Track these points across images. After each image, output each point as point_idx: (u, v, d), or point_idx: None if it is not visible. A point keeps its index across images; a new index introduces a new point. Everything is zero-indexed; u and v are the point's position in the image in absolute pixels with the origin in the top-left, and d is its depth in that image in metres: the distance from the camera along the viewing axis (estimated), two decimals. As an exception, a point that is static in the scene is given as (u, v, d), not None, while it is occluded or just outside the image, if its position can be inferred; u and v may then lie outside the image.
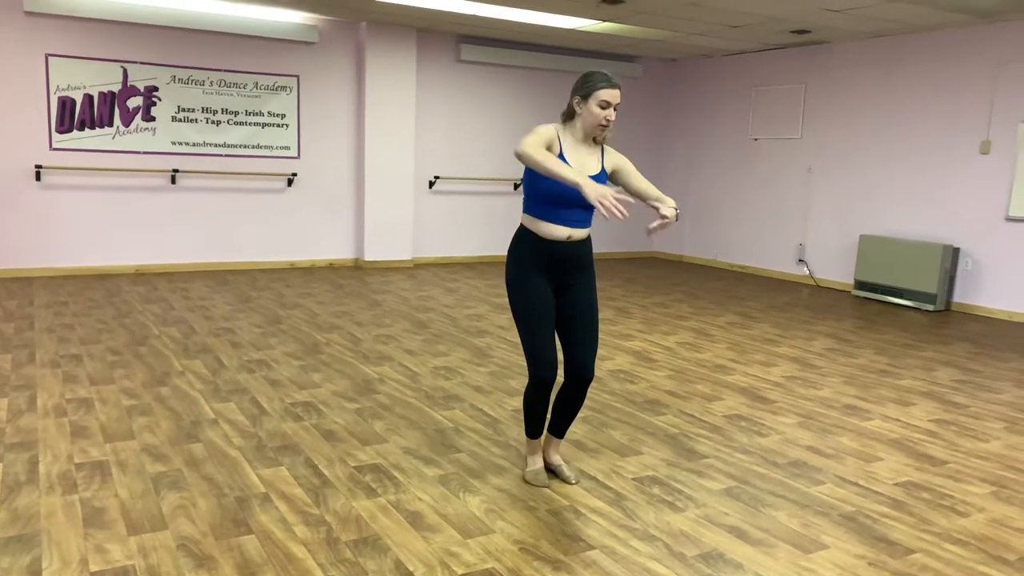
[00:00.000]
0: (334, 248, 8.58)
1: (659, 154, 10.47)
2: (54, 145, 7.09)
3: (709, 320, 6.41)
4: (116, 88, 7.29)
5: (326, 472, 3.09)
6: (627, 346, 5.40)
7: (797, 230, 8.81)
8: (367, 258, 8.51)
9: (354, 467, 3.15)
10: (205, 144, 7.72)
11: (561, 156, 2.79)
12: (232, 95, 7.79)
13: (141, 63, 7.35)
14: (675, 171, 10.34)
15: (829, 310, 7.12)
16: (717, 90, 9.70)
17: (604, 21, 7.35)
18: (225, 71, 7.72)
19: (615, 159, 2.97)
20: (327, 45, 8.15)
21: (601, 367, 4.82)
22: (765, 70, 9.05)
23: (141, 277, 7.31)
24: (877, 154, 7.96)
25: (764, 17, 6.95)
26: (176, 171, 7.56)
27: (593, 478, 3.14)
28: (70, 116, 7.14)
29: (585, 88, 2.80)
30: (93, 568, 2.32)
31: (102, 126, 7.28)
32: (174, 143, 7.58)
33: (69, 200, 7.22)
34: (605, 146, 2.96)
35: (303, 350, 4.94)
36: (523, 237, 2.90)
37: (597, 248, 10.16)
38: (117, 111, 7.32)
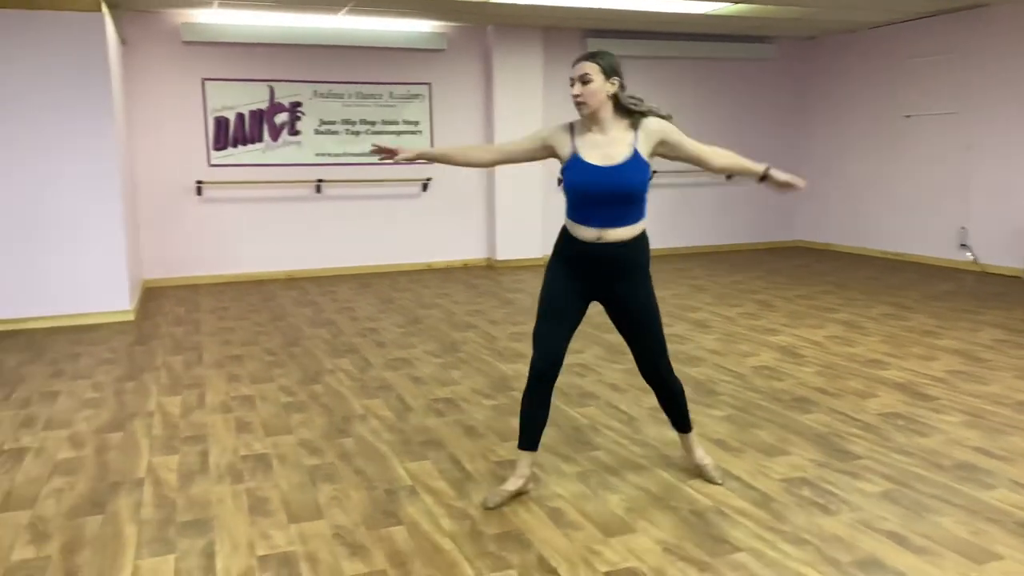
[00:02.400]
0: (467, 249, 8.77)
1: (798, 138, 10.00)
2: (212, 162, 7.67)
3: (860, 312, 6.05)
4: (264, 106, 7.79)
5: (468, 466, 3.17)
6: (772, 341, 5.19)
7: (957, 213, 8.16)
8: (499, 257, 8.65)
9: (495, 462, 3.21)
10: (346, 154, 8.10)
11: (574, 157, 2.65)
12: (369, 106, 8.14)
13: (286, 81, 7.81)
14: (817, 155, 9.84)
15: (997, 298, 6.54)
16: (861, 66, 9.14)
17: (737, 3, 7.10)
18: (362, 83, 8.07)
19: (656, 133, 2.68)
20: (455, 51, 8.35)
21: (744, 363, 4.66)
22: (915, 41, 8.43)
23: (292, 282, 7.77)
24: (1049, 126, 7.23)
25: (913, -14, 6.48)
26: (321, 181, 7.98)
27: (738, 478, 3.04)
28: (225, 134, 7.69)
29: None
30: (259, 552, 2.49)
31: (253, 142, 7.80)
32: (318, 155, 8.01)
33: (226, 212, 7.78)
34: (643, 122, 2.67)
35: (442, 348, 5.09)
36: (561, 235, 2.80)
37: (737, 238, 9.89)
38: (266, 127, 7.82)
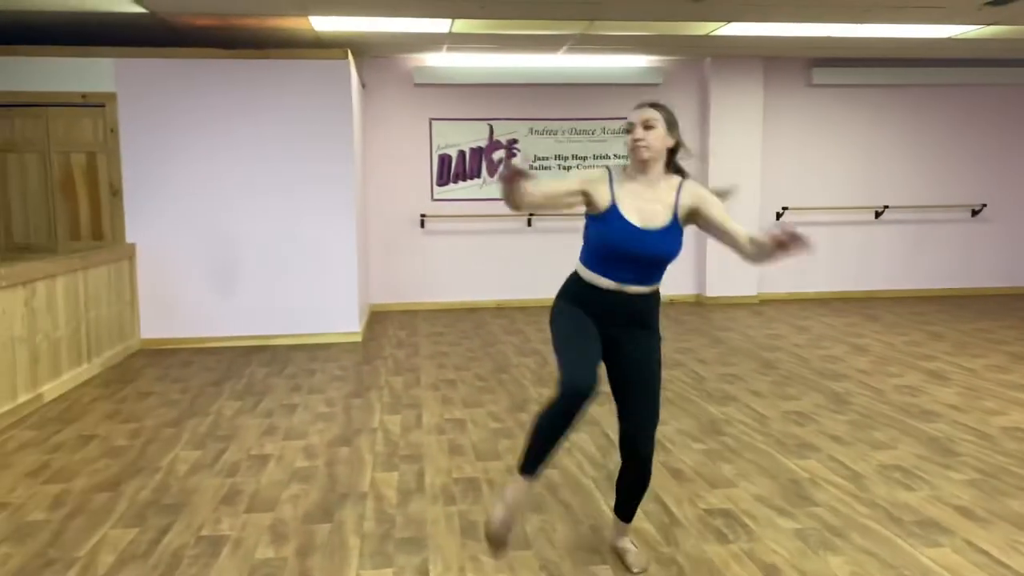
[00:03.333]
0: (675, 284, 8.61)
1: (1061, 170, 8.80)
2: (435, 196, 8.18)
3: None
4: (483, 143, 8.20)
5: (675, 511, 3.07)
6: (1024, 399, 4.57)
7: None
8: (709, 294, 8.40)
9: (704, 509, 3.09)
10: (557, 188, 8.29)
11: (613, 209, 2.42)
12: (582, 141, 8.29)
13: (504, 119, 8.18)
14: (1084, 190, 8.59)
15: None
16: None
17: (988, 25, 6.43)
18: (575, 119, 8.25)
19: (695, 197, 2.50)
20: (671, 84, 8.30)
21: (990, 422, 4.14)
22: None
23: (501, 311, 8.05)
24: None
25: None
26: (532, 215, 8.24)
27: (985, 552, 2.68)
28: (447, 170, 8.19)
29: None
30: (469, 576, 2.57)
31: (472, 178, 8.23)
32: (531, 189, 8.27)
33: (445, 243, 8.25)
34: (688, 182, 2.52)
35: (648, 385, 5.00)
36: (572, 279, 2.59)
37: (984, 281, 8.88)
38: (484, 164, 8.23)
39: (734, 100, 8.19)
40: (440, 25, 6.17)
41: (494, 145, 8.20)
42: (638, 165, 2.47)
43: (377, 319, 7.64)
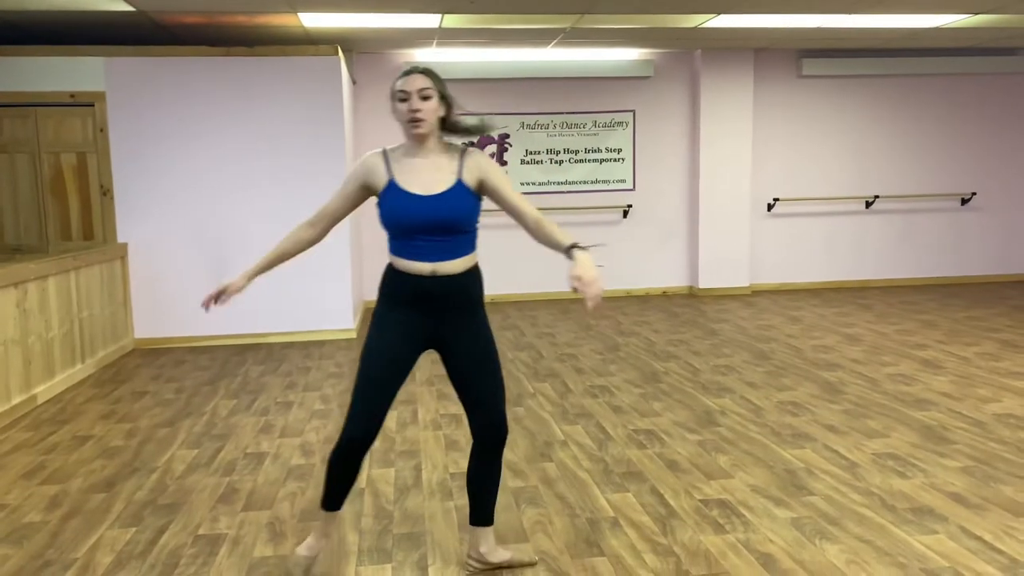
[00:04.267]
0: (667, 276, 8.63)
1: (1050, 158, 8.86)
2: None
3: None
4: (475, 138, 8.17)
5: (672, 502, 3.09)
6: (1018, 386, 4.61)
7: None
8: (701, 286, 8.42)
9: (700, 500, 3.10)
10: (549, 183, 8.30)
11: (391, 184, 2.33)
12: (573, 135, 8.29)
13: (496, 114, 8.16)
14: (1073, 177, 8.65)
15: None
16: None
17: (977, 14, 6.45)
18: (567, 113, 8.24)
19: (482, 169, 2.36)
20: (661, 77, 8.30)
21: (983, 410, 4.17)
22: None
23: (495, 306, 8.05)
24: None
25: None
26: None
27: (978, 538, 2.71)
28: (440, 165, 8.17)
29: (394, 87, 2.35)
30: (468, 570, 2.58)
31: (464, 172, 8.21)
32: (523, 183, 8.27)
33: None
34: (471, 151, 2.39)
35: (642, 378, 5.02)
36: (386, 271, 2.44)
37: (976, 268, 8.92)
38: (476, 158, 8.21)
39: (725, 92, 8.20)
40: (430, 20, 6.15)
41: (486, 140, 8.19)
42: (416, 139, 2.35)
43: (371, 316, 7.62)
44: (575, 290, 2.31)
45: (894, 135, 8.67)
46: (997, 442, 3.68)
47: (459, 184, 2.33)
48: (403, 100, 2.31)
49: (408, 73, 2.34)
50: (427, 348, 2.45)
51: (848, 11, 6.25)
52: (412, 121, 2.30)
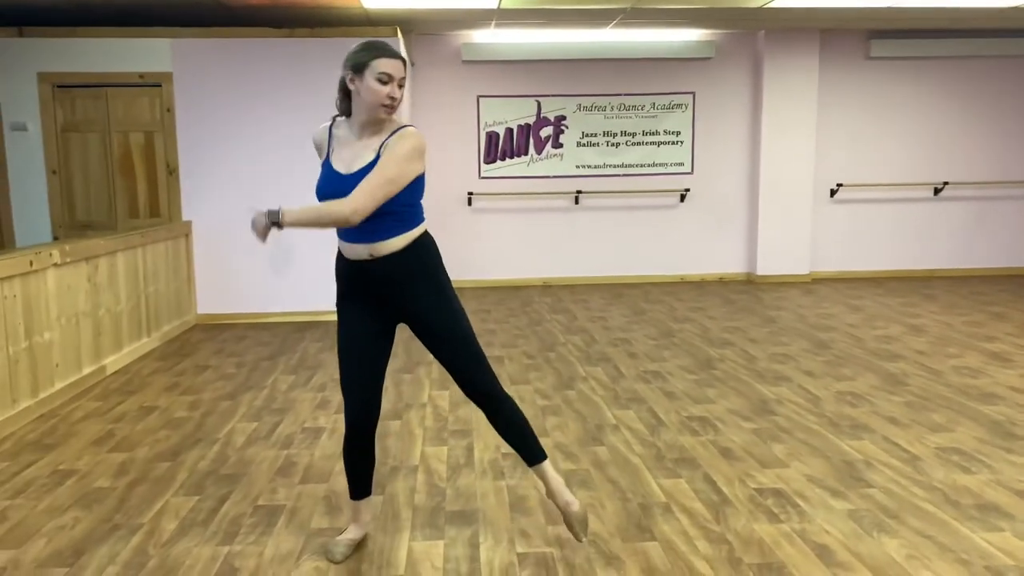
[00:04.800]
0: (725, 262, 8.49)
1: None
2: (482, 174, 8.18)
3: None
4: (531, 120, 8.16)
5: (725, 490, 3.05)
6: (1091, 382, 4.41)
7: None
8: (760, 272, 8.26)
9: (754, 488, 3.06)
10: (605, 166, 8.23)
11: (326, 160, 2.36)
12: (630, 117, 8.19)
13: (552, 96, 8.12)
14: None
15: None
16: None
17: (1059, -9, 6.13)
18: (625, 95, 8.15)
19: (387, 146, 2.29)
20: (723, 58, 8.13)
21: (1054, 405, 4.00)
22: None
23: (548, 289, 8.05)
24: None
25: None
26: (579, 192, 8.19)
27: (1049, 539, 2.61)
28: (495, 148, 8.17)
29: (357, 58, 2.25)
30: (519, 550, 2.60)
31: (519, 155, 8.20)
32: (578, 166, 8.22)
33: (491, 221, 8.26)
34: (402, 131, 2.30)
35: (696, 364, 4.97)
36: (336, 256, 2.47)
37: (998, 262, 8.48)
38: (532, 141, 8.19)
39: (789, 74, 7.99)
40: (489, 1, 6.13)
41: (542, 121, 8.16)
42: (375, 121, 2.31)
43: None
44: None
45: (967, 119, 8.33)
46: (1070, 440, 3.53)
47: (375, 162, 2.27)
48: (384, 83, 2.26)
49: (393, 56, 2.27)
50: (395, 323, 2.48)
51: (921, -11, 6.00)
52: (387, 106, 2.28)
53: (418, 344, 5.55)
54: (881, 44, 7.99)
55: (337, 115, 2.43)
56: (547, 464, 2.53)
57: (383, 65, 2.25)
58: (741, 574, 2.42)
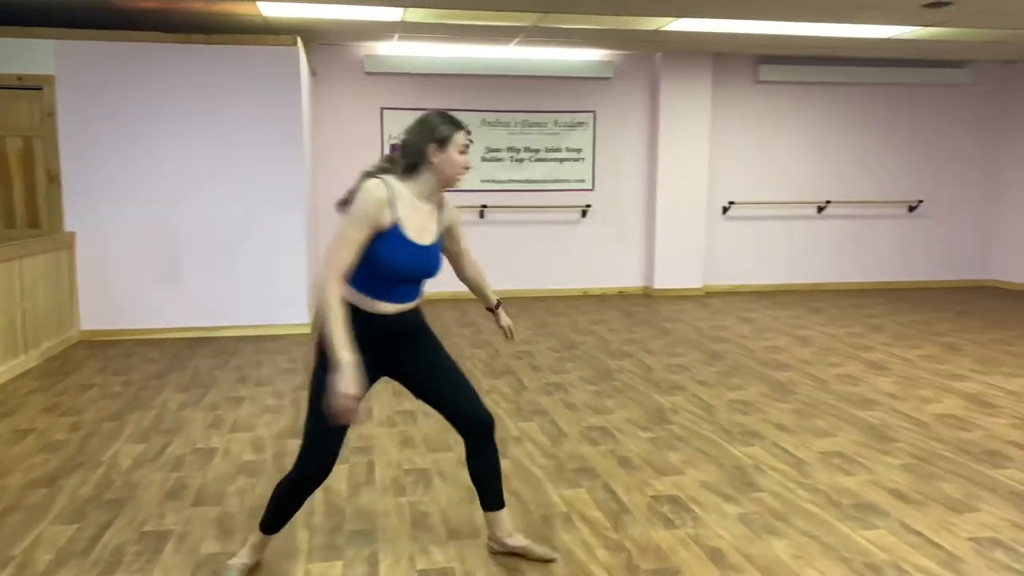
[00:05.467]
0: (624, 276, 8.71)
1: (995, 170, 9.16)
2: (386, 187, 8.10)
3: (1065, 361, 5.42)
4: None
5: (624, 498, 3.12)
6: (958, 388, 4.76)
7: None
8: (657, 286, 8.51)
9: (651, 496, 3.14)
10: (509, 181, 8.31)
11: (396, 227, 2.24)
12: (534, 134, 8.31)
13: (456, 110, 8.14)
14: (1016, 189, 8.97)
15: None
16: (1071, 90, 8.26)
17: (928, 27, 6.64)
18: (528, 112, 8.26)
19: (450, 215, 2.47)
20: (622, 79, 8.37)
21: (925, 410, 4.30)
22: None
23: (456, 303, 8.02)
24: None
25: None
26: (484, 206, 8.23)
27: (918, 533, 2.79)
28: (399, 161, 8.11)
29: (442, 131, 2.29)
30: (419, 566, 2.57)
31: (424, 168, 8.17)
32: (483, 181, 8.27)
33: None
34: (447, 200, 2.46)
35: (596, 376, 5.06)
36: (367, 323, 2.33)
37: (922, 274, 9.19)
38: (436, 154, 8.17)
39: (684, 95, 8.30)
40: (392, 13, 6.11)
41: (446, 136, 8.16)
42: (440, 188, 2.36)
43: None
44: (507, 335, 2.70)
45: (846, 142, 8.87)
46: (937, 441, 3.79)
47: (439, 236, 2.41)
48: (463, 153, 2.33)
49: (468, 131, 2.38)
50: (382, 377, 2.47)
51: (803, 19, 6.37)
52: (460, 176, 2.35)
53: (319, 359, 5.45)
54: (769, 69, 8.42)
55: (376, 174, 2.31)
56: (505, 511, 2.60)
57: (464, 138, 2.33)
58: (638, 581, 2.47)
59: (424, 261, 2.33)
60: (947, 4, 5.80)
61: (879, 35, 7.00)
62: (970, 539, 2.75)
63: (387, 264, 2.26)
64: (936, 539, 2.75)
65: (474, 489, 2.60)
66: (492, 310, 2.78)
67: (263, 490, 3.19)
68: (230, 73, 6.19)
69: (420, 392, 2.50)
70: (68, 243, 5.98)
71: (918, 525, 2.87)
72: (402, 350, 2.43)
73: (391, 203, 2.25)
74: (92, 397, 4.58)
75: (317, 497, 3.13)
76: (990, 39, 7.23)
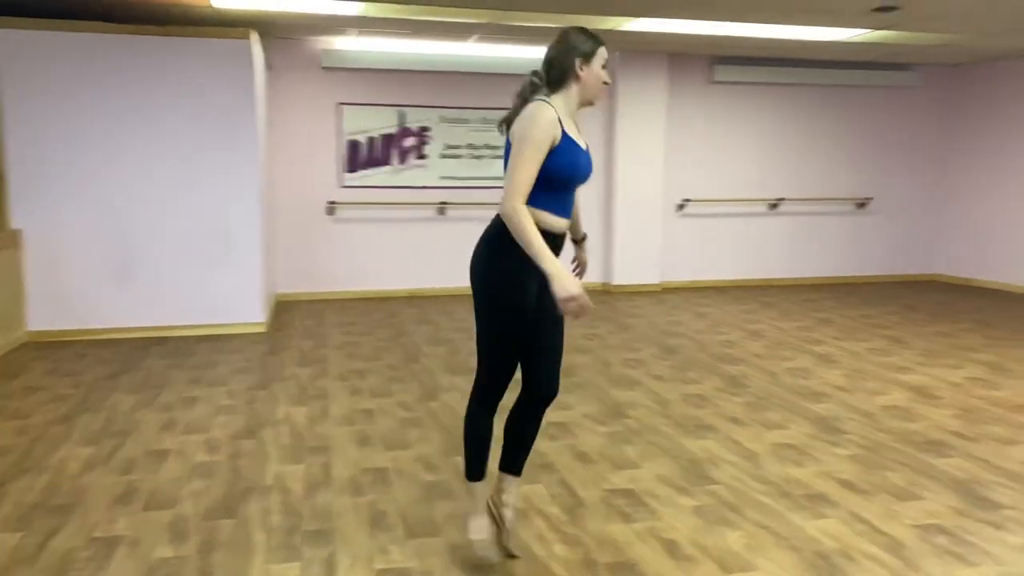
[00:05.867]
0: (585, 273, 8.75)
1: (941, 169, 9.44)
2: (343, 183, 8.05)
3: (1006, 352, 5.62)
4: (394, 130, 8.11)
5: (581, 493, 3.15)
6: (904, 380, 4.90)
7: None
8: (615, 282, 8.59)
9: (608, 490, 3.18)
10: (469, 178, 8.31)
11: (566, 138, 2.32)
12: (493, 131, 8.31)
13: (416, 106, 8.11)
14: (961, 186, 9.25)
15: None
16: (1012, 95, 8.54)
17: (876, 30, 6.81)
18: (486, 109, 8.26)
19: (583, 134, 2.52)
20: (579, 76, 8.41)
21: (872, 402, 4.42)
22: (1075, 64, 7.81)
23: (413, 300, 8.01)
24: None
25: (1074, 4, 6.00)
26: (444, 203, 8.21)
27: (866, 521, 2.88)
28: (356, 157, 8.06)
29: (587, 46, 2.36)
30: (378, 566, 2.57)
31: (382, 165, 8.12)
32: (442, 177, 8.25)
33: (354, 231, 8.13)
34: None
35: (557, 372, 5.09)
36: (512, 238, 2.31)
37: (869, 269, 9.45)
38: (394, 151, 8.14)
39: (640, 94, 8.38)
40: (349, 8, 6.05)
41: (405, 131, 8.12)
42: (583, 103, 2.43)
43: (283, 309, 7.46)
44: (578, 270, 2.60)
45: (798, 141, 9.06)
46: (884, 432, 3.91)
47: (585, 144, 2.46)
48: (604, 67, 2.39)
49: (603, 44, 2.41)
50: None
51: (756, 21, 6.48)
52: (602, 91, 2.42)
53: (273, 359, 5.40)
54: (723, 69, 8.54)
55: (539, 96, 2.38)
56: (517, 482, 2.66)
57: (605, 52, 2.39)
58: (596, 574, 2.50)
59: (588, 162, 2.43)
60: (895, 8, 5.96)
61: (830, 37, 7.15)
62: (914, 526, 2.85)
63: (567, 169, 2.33)
64: (882, 527, 2.84)
65: (503, 445, 2.61)
66: (577, 241, 2.77)
67: (218, 492, 3.15)
68: (183, 66, 6.07)
69: (531, 339, 2.47)
70: (14, 241, 5.82)
71: (866, 514, 2.95)
72: (547, 286, 2.28)
73: (560, 120, 2.33)
74: (40, 400, 4.46)
75: (273, 497, 3.10)
76: (936, 43, 7.44)
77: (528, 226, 2.22)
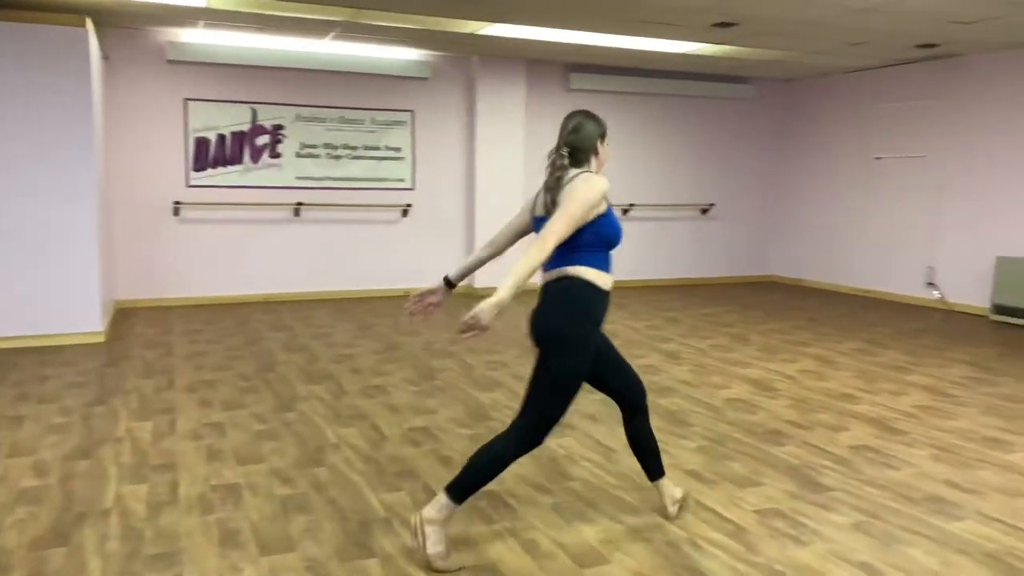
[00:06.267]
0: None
1: (773, 176, 10.19)
2: (190, 182, 7.63)
3: (833, 347, 6.13)
4: (246, 128, 7.78)
5: (443, 498, 3.14)
6: (744, 374, 5.24)
7: (925, 252, 8.32)
8: (478, 285, 8.66)
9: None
10: (326, 178, 8.10)
11: (608, 206, 2.69)
12: (351, 131, 8.16)
13: (269, 103, 7.82)
14: (792, 192, 10.02)
15: (966, 336, 6.66)
16: (836, 109, 9.35)
17: (717, 44, 7.25)
18: (344, 108, 8.10)
19: None
20: (440, 80, 8.42)
21: (717, 395, 4.69)
22: (889, 86, 8.65)
23: (268, 306, 7.71)
24: (1014, 171, 7.43)
25: (887, 33, 6.65)
26: (300, 204, 7.97)
27: (711, 510, 3.05)
28: (205, 155, 7.67)
29: (602, 127, 2.80)
30: (229, 585, 2.45)
31: (233, 163, 7.77)
32: (298, 178, 8.00)
33: (203, 233, 7.73)
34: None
35: (419, 376, 5.07)
36: (589, 293, 2.66)
37: (712, 271, 10.02)
38: (247, 149, 7.81)
39: (499, 99, 8.50)
40: None
41: (257, 129, 7.82)
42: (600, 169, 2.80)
43: (124, 316, 6.98)
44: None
45: (648, 149, 9.49)
46: (727, 424, 4.16)
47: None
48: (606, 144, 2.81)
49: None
50: None
51: (608, 31, 6.74)
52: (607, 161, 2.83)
53: (113, 371, 5.03)
54: (579, 77, 8.81)
55: (569, 167, 2.72)
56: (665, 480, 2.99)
57: (606, 127, 2.83)
58: (456, 579, 2.50)
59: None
60: (734, 25, 6.37)
61: (674, 50, 7.55)
62: (755, 511, 3.04)
63: (614, 234, 2.70)
64: (726, 514, 3.02)
65: (642, 463, 2.93)
66: (450, 283, 3.11)
67: (48, 519, 2.90)
68: (9, 54, 5.55)
69: (602, 369, 2.78)
70: None
71: (711, 502, 3.13)
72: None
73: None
74: None
75: (112, 521, 2.88)
76: (770, 58, 8.02)
77: (541, 261, 2.53)
